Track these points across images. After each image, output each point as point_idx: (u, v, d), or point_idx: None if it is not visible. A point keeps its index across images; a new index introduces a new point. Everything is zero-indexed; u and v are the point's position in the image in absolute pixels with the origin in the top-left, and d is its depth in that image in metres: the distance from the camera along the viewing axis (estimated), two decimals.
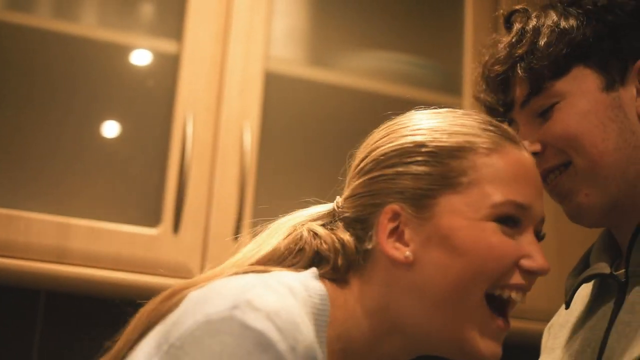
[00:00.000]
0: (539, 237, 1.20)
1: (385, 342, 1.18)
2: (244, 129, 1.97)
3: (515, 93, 1.39)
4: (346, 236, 1.20)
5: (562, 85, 1.33)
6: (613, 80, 1.32)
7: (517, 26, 1.40)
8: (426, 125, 1.21)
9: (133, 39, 2.09)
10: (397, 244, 1.16)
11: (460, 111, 1.24)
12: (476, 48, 2.32)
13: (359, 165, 1.24)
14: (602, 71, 1.32)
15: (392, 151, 1.20)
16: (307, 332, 1.05)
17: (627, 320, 1.26)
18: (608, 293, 1.35)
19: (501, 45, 1.40)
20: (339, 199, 1.25)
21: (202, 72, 2.00)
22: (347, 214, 1.22)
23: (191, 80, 1.98)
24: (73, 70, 2.03)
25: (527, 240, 1.16)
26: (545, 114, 1.35)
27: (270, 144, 2.06)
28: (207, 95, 1.99)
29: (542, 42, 1.35)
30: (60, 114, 1.99)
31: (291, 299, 1.08)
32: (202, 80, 1.99)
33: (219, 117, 1.98)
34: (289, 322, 1.03)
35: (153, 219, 1.92)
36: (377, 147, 1.21)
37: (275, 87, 2.11)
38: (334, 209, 1.24)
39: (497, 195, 1.15)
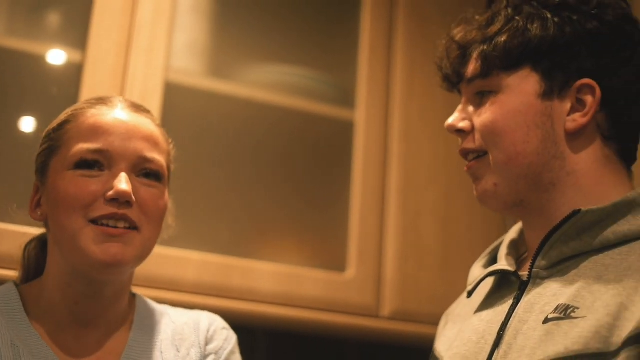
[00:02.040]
0: (152, 174, 1.48)
1: (76, 289, 1.46)
2: None
3: (468, 68, 1.46)
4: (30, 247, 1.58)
5: (507, 79, 1.41)
6: (552, 90, 1.39)
7: (493, 10, 1.47)
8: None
9: (39, 48, 2.11)
10: (36, 209, 1.51)
11: (94, 97, 1.57)
12: (371, 63, 2.40)
13: None
14: (545, 79, 1.38)
15: (40, 142, 1.53)
16: None
17: (525, 318, 1.32)
18: (508, 289, 1.42)
19: (472, 24, 1.48)
20: None
21: (104, 81, 2.03)
22: None
23: (94, 88, 2.00)
24: None
25: (114, 177, 1.43)
26: (482, 98, 1.44)
27: None
28: None
29: (504, 35, 1.41)
30: None
31: None
32: (105, 89, 2.01)
33: None
34: None
35: None
36: None
37: (175, 97, 2.15)
38: None
39: (72, 148, 1.44)
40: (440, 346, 1.53)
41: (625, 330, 1.18)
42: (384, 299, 2.25)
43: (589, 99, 1.38)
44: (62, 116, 1.52)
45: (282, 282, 2.16)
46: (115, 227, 1.42)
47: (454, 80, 1.50)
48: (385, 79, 2.41)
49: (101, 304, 1.49)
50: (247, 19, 2.41)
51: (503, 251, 1.49)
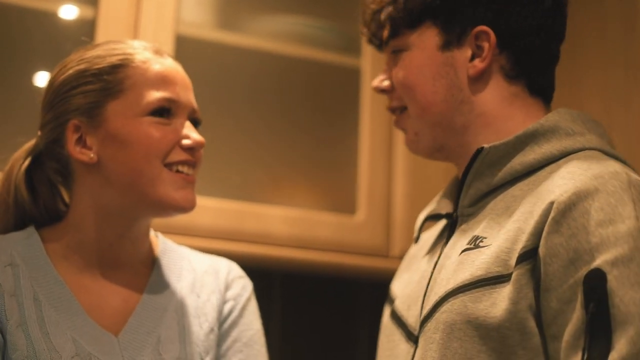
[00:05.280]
0: (196, 122, 1.55)
1: (114, 230, 1.52)
2: None
3: (382, 32, 1.54)
4: (43, 188, 1.58)
5: (412, 36, 1.49)
6: (450, 41, 1.47)
7: None
8: (88, 55, 1.52)
9: (52, 5, 2.15)
10: (83, 150, 1.49)
11: (117, 40, 1.58)
12: None
13: (44, 99, 1.54)
14: (444, 31, 1.47)
15: (64, 80, 1.50)
16: None
17: (449, 254, 1.42)
18: (446, 230, 1.52)
19: None
20: (39, 132, 1.56)
21: (117, 36, 2.03)
22: (46, 140, 1.53)
23: None
24: None
25: (181, 125, 1.50)
26: (396, 57, 1.52)
27: None
28: None
29: None
30: None
31: None
32: None
33: None
34: None
35: None
36: (55, 81, 1.53)
37: (186, 49, 2.18)
38: (37, 142, 1.57)
39: (143, 94, 1.47)
40: (396, 286, 1.63)
41: (519, 251, 1.27)
42: (393, 240, 2.32)
43: (485, 44, 1.45)
44: (112, 58, 1.51)
45: (294, 226, 2.22)
46: (189, 174, 1.51)
47: (376, 44, 1.58)
48: None
49: (130, 244, 1.55)
50: None
51: (440, 197, 1.59)
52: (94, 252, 1.53)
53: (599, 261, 1.18)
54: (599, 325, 1.15)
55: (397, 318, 1.52)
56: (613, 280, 1.16)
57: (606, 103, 2.16)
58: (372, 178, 2.33)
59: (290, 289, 2.56)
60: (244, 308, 1.63)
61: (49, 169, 1.58)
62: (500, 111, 1.47)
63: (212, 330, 1.57)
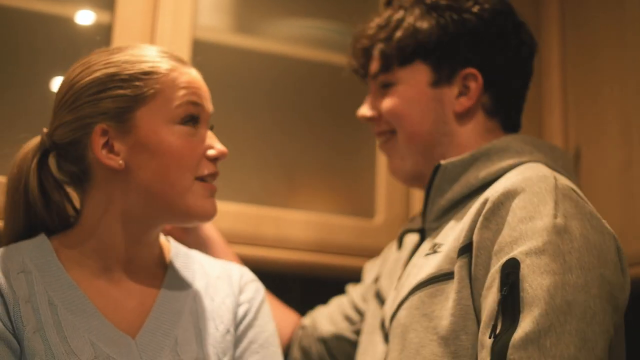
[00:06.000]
0: (211, 128, 1.57)
1: (131, 235, 1.53)
2: None
3: (371, 65, 1.73)
4: (55, 195, 1.57)
5: (403, 72, 1.66)
6: (440, 79, 1.64)
7: (388, 12, 1.70)
8: (115, 59, 1.51)
9: (69, 10, 2.16)
10: (110, 155, 1.47)
11: (141, 45, 1.57)
12: None
13: (62, 98, 1.52)
14: (435, 70, 1.64)
15: (90, 82, 1.48)
16: None
17: (414, 262, 1.61)
18: (418, 243, 1.70)
19: (372, 24, 1.72)
20: (45, 130, 1.54)
21: (133, 41, 2.03)
22: (61, 141, 1.51)
23: None
24: (13, 41, 2.11)
25: (205, 134, 1.53)
26: (385, 90, 1.70)
27: None
28: None
29: (398, 34, 1.66)
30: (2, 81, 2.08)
31: None
32: None
33: None
34: None
35: None
36: (78, 81, 1.50)
37: (203, 53, 2.19)
38: (43, 140, 1.53)
39: (178, 103, 1.49)
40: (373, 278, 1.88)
41: (458, 246, 1.46)
42: None
43: (472, 85, 1.64)
44: (142, 65, 1.52)
45: (313, 230, 2.23)
46: (212, 184, 1.55)
47: (361, 74, 1.76)
48: None
49: (145, 248, 1.57)
50: None
51: (420, 212, 1.74)
52: (109, 256, 1.54)
53: (515, 252, 1.34)
54: (510, 306, 1.30)
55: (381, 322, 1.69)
56: (525, 268, 1.31)
57: (625, 113, 2.15)
58: (390, 181, 2.32)
59: (309, 293, 2.55)
60: (258, 310, 1.64)
61: (61, 170, 1.57)
62: (473, 142, 1.64)
63: (228, 331, 1.58)
